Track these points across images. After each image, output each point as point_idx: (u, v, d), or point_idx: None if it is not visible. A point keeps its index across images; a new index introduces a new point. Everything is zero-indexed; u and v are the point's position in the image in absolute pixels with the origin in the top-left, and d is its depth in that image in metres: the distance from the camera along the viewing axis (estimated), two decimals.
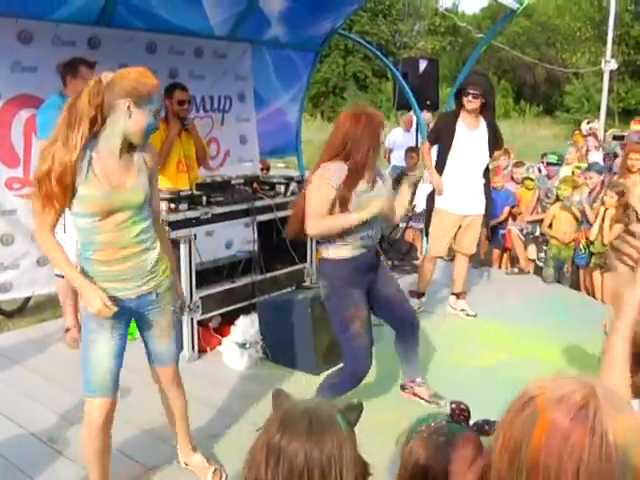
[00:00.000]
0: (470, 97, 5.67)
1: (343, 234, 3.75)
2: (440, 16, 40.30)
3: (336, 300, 3.90)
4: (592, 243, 6.93)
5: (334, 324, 4.02)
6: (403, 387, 4.58)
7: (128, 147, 2.98)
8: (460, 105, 5.83)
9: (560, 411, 1.03)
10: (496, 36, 11.10)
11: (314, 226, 3.71)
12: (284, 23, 7.67)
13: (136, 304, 3.11)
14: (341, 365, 4.12)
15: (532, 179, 8.40)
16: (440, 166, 5.94)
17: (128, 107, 2.84)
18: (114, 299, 2.97)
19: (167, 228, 4.73)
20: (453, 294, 6.32)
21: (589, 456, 0.99)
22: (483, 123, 5.85)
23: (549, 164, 8.59)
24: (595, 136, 11.74)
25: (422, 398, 4.46)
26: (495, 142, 5.95)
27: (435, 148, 6.07)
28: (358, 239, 3.80)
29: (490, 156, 5.99)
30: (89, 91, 2.85)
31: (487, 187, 6.04)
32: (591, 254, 6.99)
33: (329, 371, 4.35)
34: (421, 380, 4.52)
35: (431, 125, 8.18)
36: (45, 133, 5.02)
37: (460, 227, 6.01)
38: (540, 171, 9.34)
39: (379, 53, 10.31)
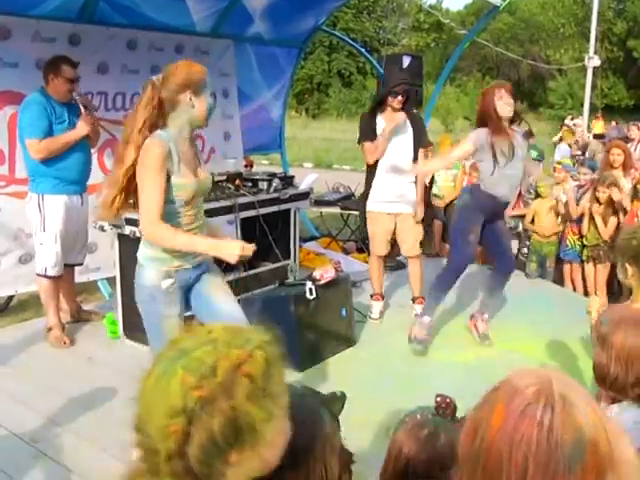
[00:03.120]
0: (399, 97, 5.64)
1: None
2: (424, 13, 40.42)
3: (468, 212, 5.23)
4: (583, 237, 6.93)
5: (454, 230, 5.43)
6: (472, 316, 5.65)
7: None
8: (382, 104, 5.78)
9: (513, 403, 1.10)
10: (480, 33, 11.17)
11: None
12: (267, 19, 7.65)
13: (192, 274, 3.40)
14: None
15: None
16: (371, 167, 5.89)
17: (190, 99, 3.17)
18: (176, 272, 3.32)
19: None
20: (412, 299, 6.15)
21: (536, 448, 1.06)
22: (404, 116, 5.75)
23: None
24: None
25: (477, 331, 5.54)
26: (419, 134, 5.84)
27: None
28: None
29: (415, 152, 5.80)
30: (146, 98, 3.17)
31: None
32: (583, 247, 6.99)
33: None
34: (487, 317, 5.59)
35: None
36: (34, 132, 5.00)
37: (396, 226, 5.91)
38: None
39: (363, 50, 10.35)
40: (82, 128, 5.17)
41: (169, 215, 3.22)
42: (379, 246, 6.00)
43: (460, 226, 5.32)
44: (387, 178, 5.78)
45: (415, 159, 5.79)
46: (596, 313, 3.15)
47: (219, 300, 3.47)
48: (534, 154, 8.69)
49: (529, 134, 5.95)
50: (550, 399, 1.09)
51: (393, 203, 5.79)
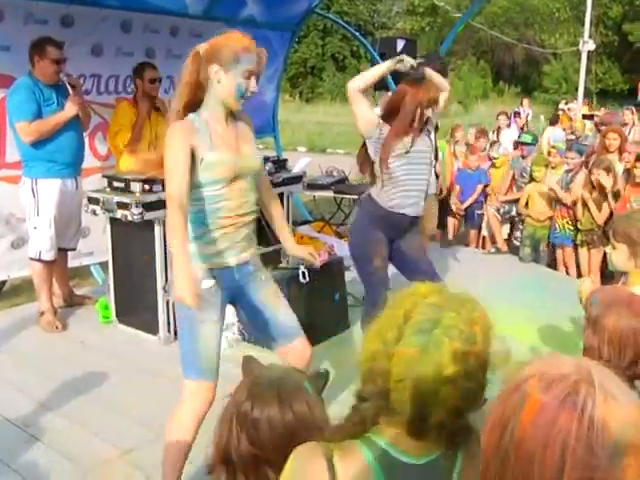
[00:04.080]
0: None
1: None
2: None
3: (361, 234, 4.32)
4: (578, 221, 6.91)
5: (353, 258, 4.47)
6: None
7: (232, 115, 2.99)
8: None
9: (549, 394, 1.01)
10: (474, 16, 11.11)
11: None
12: (259, 2, 7.58)
13: (237, 274, 3.03)
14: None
15: (497, 157, 8.47)
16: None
17: (215, 72, 2.82)
18: (219, 270, 2.95)
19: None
20: None
21: (575, 442, 0.97)
22: None
23: (523, 144, 8.59)
24: (506, 115, 11.75)
25: None
26: None
27: None
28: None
29: None
30: (187, 63, 2.87)
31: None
32: (577, 231, 6.97)
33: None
34: None
35: None
36: (22, 115, 4.97)
37: None
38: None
39: (357, 33, 10.29)
40: (71, 109, 5.14)
41: (208, 201, 2.88)
42: None
43: (357, 253, 4.43)
44: None
45: None
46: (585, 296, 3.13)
47: (274, 309, 3.13)
48: (529, 138, 8.67)
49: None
50: (591, 390, 1.00)
51: None
